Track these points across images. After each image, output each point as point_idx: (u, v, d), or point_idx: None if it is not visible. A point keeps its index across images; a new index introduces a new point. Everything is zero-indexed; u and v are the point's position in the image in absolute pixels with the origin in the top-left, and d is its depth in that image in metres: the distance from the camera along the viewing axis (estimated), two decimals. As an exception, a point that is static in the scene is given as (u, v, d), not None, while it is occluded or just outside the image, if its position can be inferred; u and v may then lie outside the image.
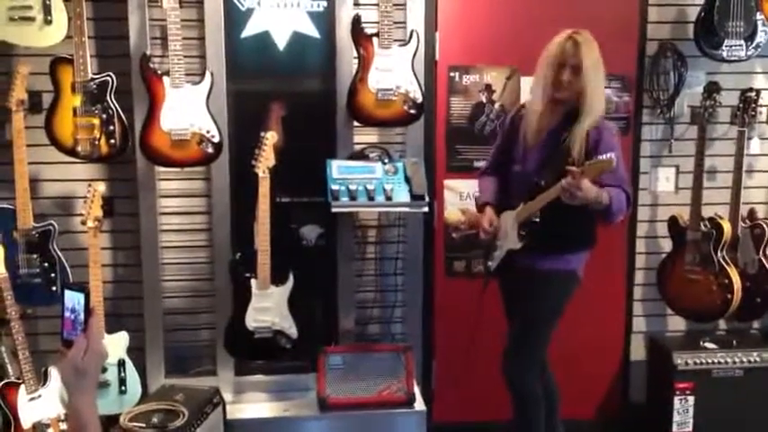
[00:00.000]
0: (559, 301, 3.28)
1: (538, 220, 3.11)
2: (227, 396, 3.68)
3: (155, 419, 3.25)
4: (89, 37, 3.37)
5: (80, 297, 1.68)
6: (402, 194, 3.51)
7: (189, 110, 3.39)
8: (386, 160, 3.62)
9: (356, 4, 3.69)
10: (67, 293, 1.70)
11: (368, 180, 3.51)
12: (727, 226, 3.85)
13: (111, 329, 3.45)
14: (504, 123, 3.49)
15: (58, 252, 3.47)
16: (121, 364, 3.45)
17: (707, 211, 3.91)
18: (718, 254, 3.84)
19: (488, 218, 3.32)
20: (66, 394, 1.67)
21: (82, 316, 1.67)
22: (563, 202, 2.92)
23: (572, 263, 3.26)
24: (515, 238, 3.19)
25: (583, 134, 3.07)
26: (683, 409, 3.84)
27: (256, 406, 3.73)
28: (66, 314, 1.70)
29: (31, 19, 3.29)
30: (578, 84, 3.06)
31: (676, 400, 3.84)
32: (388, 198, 3.48)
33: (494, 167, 3.46)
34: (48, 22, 3.30)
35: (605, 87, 3.82)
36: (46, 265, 3.45)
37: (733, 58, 3.81)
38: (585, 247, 3.28)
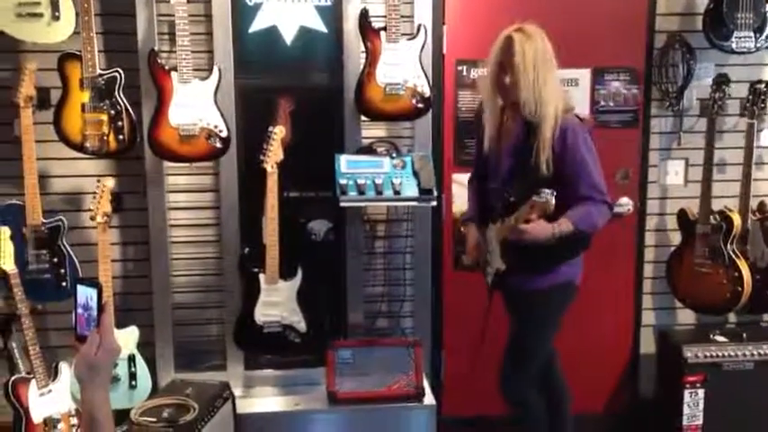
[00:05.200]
0: (552, 316, 3.20)
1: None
2: (237, 390, 3.69)
3: (165, 414, 3.26)
4: (97, 33, 3.38)
5: (93, 293, 1.68)
6: (410, 189, 3.50)
7: (197, 105, 3.40)
8: (394, 154, 3.63)
9: (363, -1, 3.69)
10: (80, 289, 1.70)
11: (376, 174, 3.50)
12: (736, 219, 3.83)
13: (120, 324, 3.45)
14: (476, 122, 3.36)
15: (68, 248, 3.48)
16: (131, 359, 3.47)
17: (716, 204, 3.89)
18: (728, 247, 3.83)
19: (471, 241, 3.29)
20: (80, 389, 1.67)
21: (95, 311, 1.67)
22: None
23: (563, 274, 3.12)
24: (499, 258, 3.13)
25: (546, 143, 2.89)
26: (693, 403, 3.83)
27: (266, 400, 3.73)
28: (79, 310, 1.70)
29: (39, 15, 3.30)
30: (517, 87, 2.89)
31: (686, 393, 3.83)
32: (397, 192, 3.48)
33: (477, 174, 3.39)
34: (55, 18, 3.30)
35: (614, 80, 3.86)
36: (55, 260, 3.46)
37: (742, 50, 3.79)
38: (571, 256, 3.13)
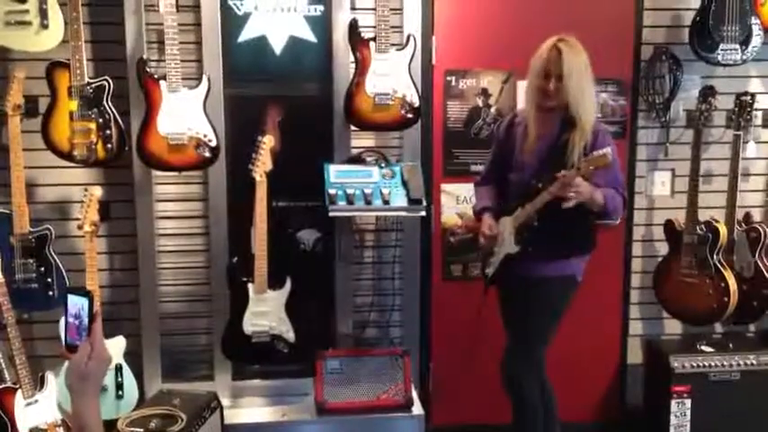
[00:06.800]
0: (557, 306, 3.28)
1: (536, 224, 3.11)
2: (225, 401, 3.68)
3: (152, 424, 3.24)
4: (85, 41, 3.37)
5: (84, 302, 1.66)
6: (399, 198, 3.50)
7: (186, 114, 3.39)
8: (383, 164, 3.63)
9: (353, 9, 3.70)
10: (71, 298, 1.68)
11: (365, 184, 3.51)
12: (723, 229, 3.85)
13: (107, 334, 3.41)
14: (499, 132, 3.48)
15: (55, 257, 3.46)
16: (118, 368, 3.44)
17: (703, 215, 3.91)
18: (715, 257, 3.85)
19: (488, 223, 3.32)
20: (70, 399, 1.66)
21: (86, 320, 1.66)
22: (560, 205, 2.95)
23: (570, 267, 3.25)
24: (512, 242, 3.19)
25: (581, 143, 3.08)
26: (681, 413, 3.84)
27: (254, 410, 3.72)
28: (70, 319, 1.68)
29: (28, 23, 3.29)
30: (563, 92, 3.06)
31: (673, 403, 3.84)
32: (386, 202, 3.48)
33: (490, 177, 3.46)
34: (44, 26, 3.30)
35: (602, 91, 3.90)
36: (42, 269, 3.44)
37: (728, 62, 3.82)
38: (584, 251, 3.28)
